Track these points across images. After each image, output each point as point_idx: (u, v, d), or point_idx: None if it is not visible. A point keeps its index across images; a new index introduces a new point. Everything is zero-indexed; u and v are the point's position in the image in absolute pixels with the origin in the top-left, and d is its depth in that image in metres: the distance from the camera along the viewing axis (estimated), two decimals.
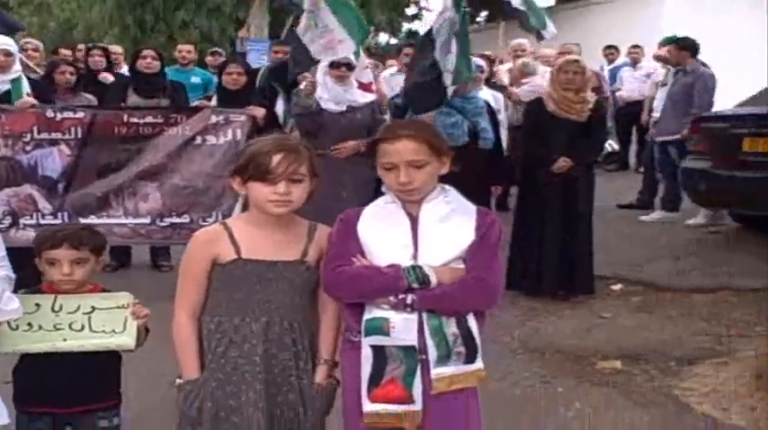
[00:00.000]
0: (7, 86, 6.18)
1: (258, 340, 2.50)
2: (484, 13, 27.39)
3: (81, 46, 8.87)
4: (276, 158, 2.42)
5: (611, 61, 12.06)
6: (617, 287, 6.30)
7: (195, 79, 8.68)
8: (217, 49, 10.98)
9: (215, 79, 8.52)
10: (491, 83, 8.27)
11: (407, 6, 23.81)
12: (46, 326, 2.72)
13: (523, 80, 8.77)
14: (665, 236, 7.62)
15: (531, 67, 9.05)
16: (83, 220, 5.84)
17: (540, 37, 9.60)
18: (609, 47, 12.32)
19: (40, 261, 2.82)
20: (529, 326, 5.60)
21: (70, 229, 2.90)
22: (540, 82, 8.46)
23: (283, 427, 2.55)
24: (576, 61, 6.18)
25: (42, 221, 5.94)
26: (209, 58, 10.27)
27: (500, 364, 4.77)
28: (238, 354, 2.51)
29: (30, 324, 2.70)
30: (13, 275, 2.76)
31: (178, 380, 2.54)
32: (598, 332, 5.36)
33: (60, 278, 2.77)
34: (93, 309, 2.75)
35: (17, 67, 6.37)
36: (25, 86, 6.28)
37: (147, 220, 6.17)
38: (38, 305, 2.72)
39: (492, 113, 6.40)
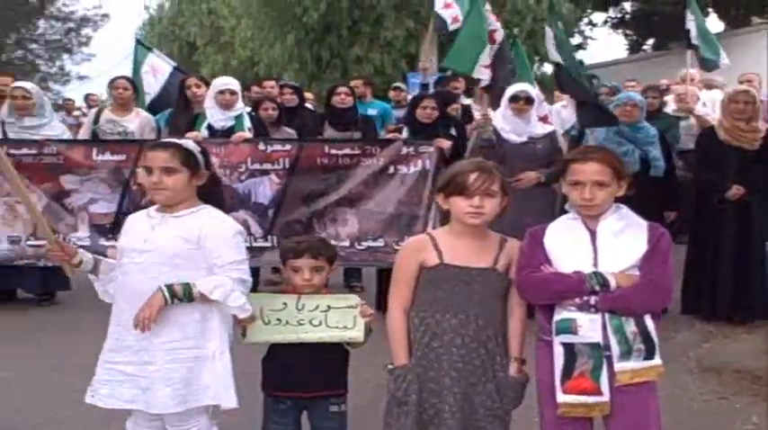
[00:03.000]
0: (231, 122, 6.90)
1: (456, 333, 2.92)
2: (650, 41, 26.71)
3: (271, 83, 9.32)
4: (473, 176, 2.89)
5: None
6: None
7: (372, 111, 8.96)
8: (399, 84, 11.48)
9: (391, 110, 9.12)
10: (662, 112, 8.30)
11: (571, 37, 23.51)
12: (291, 321, 3.27)
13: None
14: None
15: None
16: None
17: (711, 67, 9.44)
18: None
19: (285, 268, 3.38)
20: (705, 348, 5.75)
21: (309, 241, 3.45)
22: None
23: (480, 414, 2.93)
24: (747, 91, 6.26)
25: (254, 244, 6.44)
26: (391, 93, 10.60)
27: (677, 381, 5.00)
28: (439, 345, 2.93)
29: (279, 319, 3.27)
30: (248, 279, 3.08)
31: (389, 366, 3.00)
32: None
33: (302, 283, 3.31)
34: (329, 308, 3.28)
35: (240, 104, 7.06)
36: (246, 122, 6.98)
37: (346, 244, 6.63)
38: (285, 304, 3.28)
39: (664, 142, 6.56)
